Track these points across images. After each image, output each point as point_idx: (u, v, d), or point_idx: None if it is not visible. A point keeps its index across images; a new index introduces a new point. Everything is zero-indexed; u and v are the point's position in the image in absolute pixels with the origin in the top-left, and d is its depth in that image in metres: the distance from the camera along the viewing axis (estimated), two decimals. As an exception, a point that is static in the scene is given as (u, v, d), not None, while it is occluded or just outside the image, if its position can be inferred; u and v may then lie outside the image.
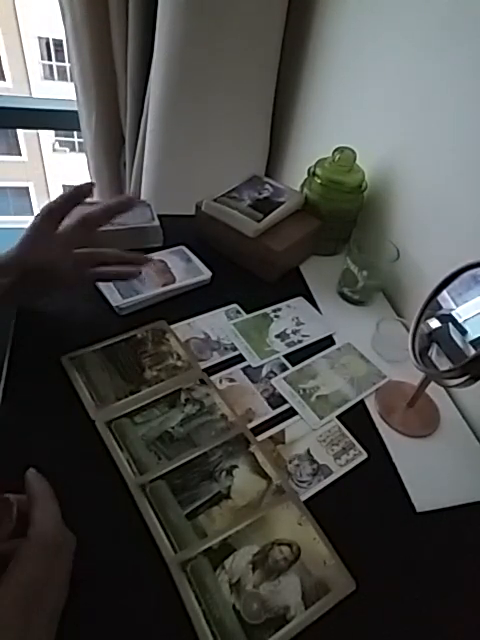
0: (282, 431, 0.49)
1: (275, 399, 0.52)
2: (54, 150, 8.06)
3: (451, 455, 0.50)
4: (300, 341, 0.60)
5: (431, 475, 0.48)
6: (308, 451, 0.48)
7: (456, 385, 0.42)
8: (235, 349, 0.57)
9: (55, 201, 0.51)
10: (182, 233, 0.71)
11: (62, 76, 7.62)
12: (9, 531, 0.32)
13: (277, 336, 0.60)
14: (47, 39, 7.39)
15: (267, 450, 0.47)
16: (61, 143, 8.03)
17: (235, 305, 0.63)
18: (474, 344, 0.40)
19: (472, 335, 0.41)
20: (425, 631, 0.38)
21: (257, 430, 0.49)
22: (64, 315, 0.58)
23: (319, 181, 0.70)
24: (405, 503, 0.45)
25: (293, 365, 0.57)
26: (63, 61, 7.35)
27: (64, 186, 8.16)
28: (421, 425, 0.52)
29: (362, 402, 0.54)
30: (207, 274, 0.66)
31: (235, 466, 0.45)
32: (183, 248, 0.69)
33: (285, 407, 0.52)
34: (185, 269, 0.66)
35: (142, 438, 0.46)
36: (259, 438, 0.48)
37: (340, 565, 0.39)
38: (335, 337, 0.61)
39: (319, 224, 0.71)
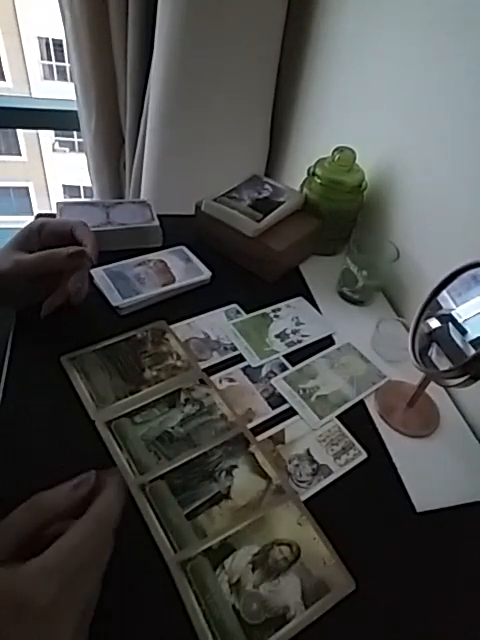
0: (282, 431, 0.49)
1: (275, 399, 0.52)
2: (54, 150, 8.07)
3: (451, 455, 0.50)
4: (300, 341, 0.60)
5: (431, 475, 0.48)
6: (308, 451, 0.48)
7: (456, 385, 0.42)
8: (235, 349, 0.57)
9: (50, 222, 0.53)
10: (182, 233, 0.71)
11: (62, 76, 7.62)
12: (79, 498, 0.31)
13: (277, 336, 0.60)
14: (47, 39, 7.39)
15: (267, 450, 0.47)
16: (61, 143, 8.03)
17: (235, 305, 0.63)
18: (474, 344, 0.40)
19: (472, 335, 0.41)
20: (425, 631, 0.38)
21: (257, 430, 0.49)
22: (64, 315, 0.58)
23: (319, 181, 0.70)
24: (405, 503, 0.45)
25: (293, 365, 0.57)
26: (63, 61, 7.35)
27: (64, 186, 8.17)
28: (421, 425, 0.52)
29: (362, 402, 0.54)
30: (207, 274, 0.66)
31: (235, 466, 0.45)
32: (183, 248, 0.69)
33: (285, 407, 0.52)
34: (185, 269, 0.66)
35: (142, 438, 0.46)
36: (259, 438, 0.48)
37: (340, 565, 0.39)
38: (335, 337, 0.61)
39: (319, 224, 0.71)
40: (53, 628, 0.24)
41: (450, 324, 0.43)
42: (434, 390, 0.52)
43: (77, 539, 0.28)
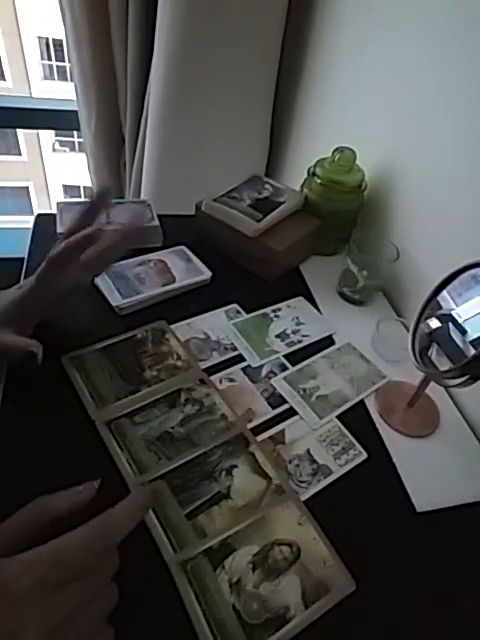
0: (282, 431, 0.49)
1: (275, 399, 0.52)
2: (54, 150, 8.06)
3: (451, 455, 0.50)
4: (300, 341, 0.60)
5: (431, 475, 0.48)
6: (308, 451, 0.48)
7: (456, 385, 0.42)
8: (235, 349, 0.57)
9: (58, 252, 0.45)
10: (182, 233, 0.71)
11: (62, 76, 7.62)
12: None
13: (277, 336, 0.60)
14: (47, 39, 7.38)
15: (267, 450, 0.47)
16: (61, 143, 8.02)
17: (235, 305, 0.63)
18: (474, 344, 0.41)
19: (472, 335, 0.41)
20: (425, 631, 0.38)
21: (257, 430, 0.49)
22: (64, 315, 0.58)
23: (319, 181, 0.70)
24: (405, 503, 0.45)
25: (293, 365, 0.57)
26: (63, 61, 7.34)
27: (64, 186, 8.16)
28: (421, 425, 0.52)
29: (362, 402, 0.54)
30: (207, 274, 0.66)
31: (235, 466, 0.45)
32: (183, 248, 0.69)
33: (285, 407, 0.52)
34: (185, 269, 0.66)
35: (142, 438, 0.46)
36: (259, 438, 0.48)
37: (340, 565, 0.39)
38: (335, 337, 0.61)
39: (319, 224, 0.71)
40: (21, 620, 0.24)
41: (450, 324, 0.43)
42: (434, 390, 0.52)
43: (63, 542, 0.27)
